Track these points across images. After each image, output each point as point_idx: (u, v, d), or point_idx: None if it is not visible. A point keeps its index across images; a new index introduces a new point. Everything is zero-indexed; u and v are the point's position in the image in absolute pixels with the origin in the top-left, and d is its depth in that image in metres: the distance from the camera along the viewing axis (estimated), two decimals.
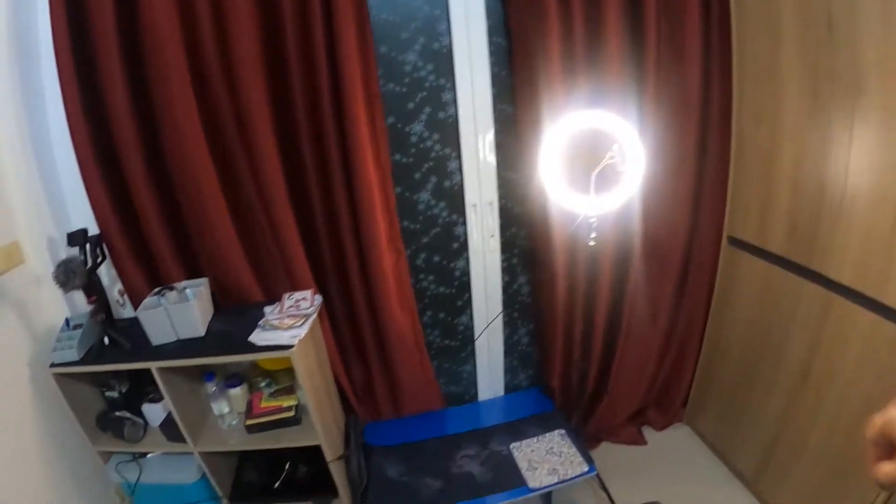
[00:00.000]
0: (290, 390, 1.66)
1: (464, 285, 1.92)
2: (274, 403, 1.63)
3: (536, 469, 1.75)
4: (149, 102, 1.53)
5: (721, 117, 1.74)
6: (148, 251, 1.73)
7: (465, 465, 1.83)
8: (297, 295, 1.61)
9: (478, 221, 1.82)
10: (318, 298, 1.60)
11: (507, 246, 1.86)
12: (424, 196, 1.78)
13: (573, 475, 1.71)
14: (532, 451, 1.82)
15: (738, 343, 1.85)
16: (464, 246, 1.86)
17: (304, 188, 1.67)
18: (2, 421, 1.45)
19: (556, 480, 1.70)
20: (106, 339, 1.61)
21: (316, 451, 1.77)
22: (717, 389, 2.00)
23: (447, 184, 1.77)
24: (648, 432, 2.20)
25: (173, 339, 1.57)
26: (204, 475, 1.73)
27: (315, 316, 1.53)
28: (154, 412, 1.73)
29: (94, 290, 1.60)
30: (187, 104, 1.50)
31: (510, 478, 1.73)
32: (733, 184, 1.76)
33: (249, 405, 1.67)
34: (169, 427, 1.67)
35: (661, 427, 2.22)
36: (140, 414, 1.75)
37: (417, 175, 1.75)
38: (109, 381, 1.75)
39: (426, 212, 1.79)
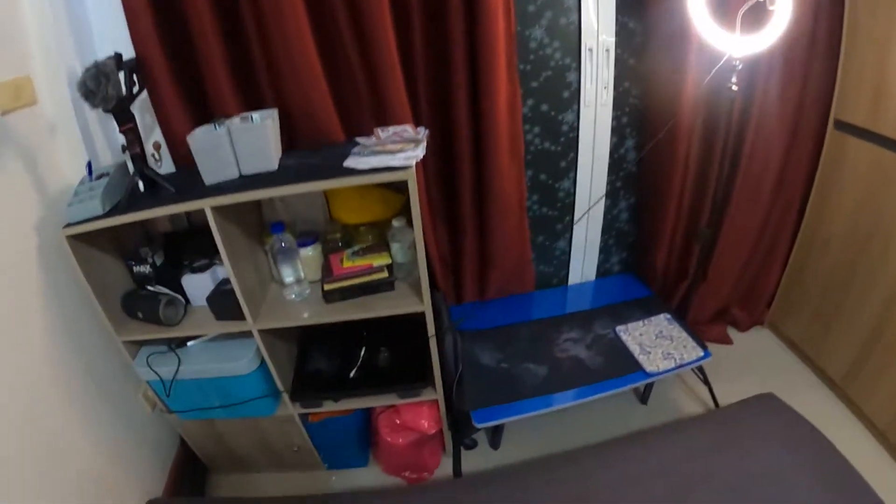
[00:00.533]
0: (378, 248, 1.33)
1: (570, 142, 1.64)
2: (361, 262, 1.30)
3: (650, 353, 1.54)
4: None
5: (833, 4, 1.55)
6: (198, 83, 1.38)
7: (570, 349, 1.61)
8: (394, 128, 1.29)
9: (592, 69, 1.55)
10: (423, 130, 1.29)
11: (618, 103, 1.60)
12: (537, 33, 1.48)
13: (689, 360, 1.52)
14: (640, 334, 1.62)
15: (837, 236, 1.69)
16: (575, 96, 1.58)
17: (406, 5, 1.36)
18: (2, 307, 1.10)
19: (672, 365, 1.50)
20: (140, 184, 1.25)
21: (398, 332, 1.48)
22: (808, 289, 1.84)
23: (563, 21, 1.49)
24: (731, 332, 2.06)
25: (235, 175, 1.22)
26: (262, 363, 1.38)
27: (425, 143, 1.22)
28: (198, 285, 1.37)
29: (129, 116, 1.23)
30: None
31: (623, 362, 1.53)
32: (843, 70, 1.57)
33: (327, 267, 1.33)
34: (219, 303, 1.32)
35: (745, 328, 2.08)
36: (179, 290, 1.38)
37: (531, 7, 1.46)
38: (140, 250, 1.39)
39: (538, 51, 1.50)
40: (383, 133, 1.27)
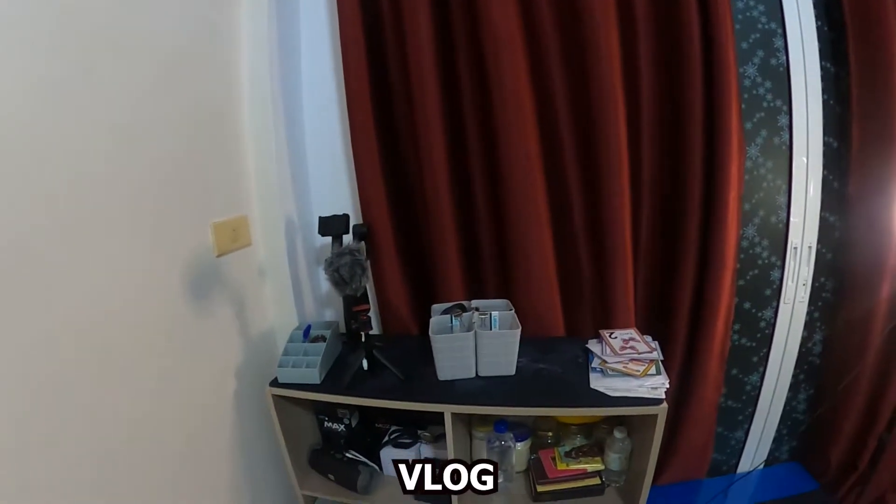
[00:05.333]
0: (591, 451, 1.34)
1: (765, 338, 1.63)
2: (576, 466, 1.31)
3: None
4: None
5: None
6: (421, 260, 1.44)
7: None
8: (620, 332, 1.32)
9: (794, 266, 1.56)
10: (652, 340, 1.30)
11: (812, 298, 1.60)
12: (749, 231, 1.52)
13: None
14: None
15: None
16: (775, 293, 1.59)
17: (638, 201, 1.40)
18: (190, 441, 1.14)
19: None
20: (365, 363, 1.29)
21: None
22: None
23: (773, 220, 1.51)
24: None
25: (472, 374, 1.26)
26: None
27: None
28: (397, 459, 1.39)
29: (365, 296, 1.28)
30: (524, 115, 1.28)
31: None
32: None
33: (537, 466, 1.34)
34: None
35: None
36: (371, 456, 1.42)
37: (746, 205, 1.50)
38: (338, 409, 1.43)
39: (749, 250, 1.54)
40: (612, 339, 1.29)
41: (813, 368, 1.70)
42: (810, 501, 1.66)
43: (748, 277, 1.56)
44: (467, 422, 1.42)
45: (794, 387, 1.71)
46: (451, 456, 1.23)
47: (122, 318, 0.94)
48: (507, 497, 1.35)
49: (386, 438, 1.44)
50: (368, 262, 1.19)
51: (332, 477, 1.40)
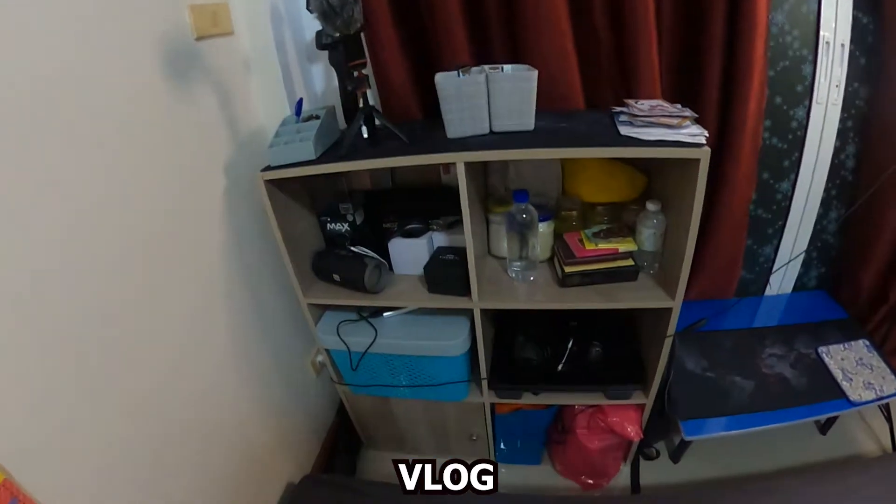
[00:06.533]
0: (621, 231, 1.18)
1: (797, 140, 1.45)
2: (606, 246, 1.15)
3: (852, 380, 1.39)
4: None
5: None
6: (423, 30, 1.23)
7: (775, 366, 1.45)
8: (648, 102, 1.12)
9: (828, 64, 1.37)
10: (682, 108, 1.11)
11: (845, 104, 1.42)
12: (779, 17, 1.31)
13: (890, 393, 1.36)
14: (842, 359, 1.46)
15: None
16: (807, 91, 1.40)
17: None
18: (177, 257, 1.00)
19: (874, 396, 1.35)
20: (364, 130, 1.10)
21: (610, 325, 1.36)
22: None
23: (804, 8, 1.30)
24: None
25: (485, 130, 1.07)
26: (470, 349, 1.25)
27: None
28: (409, 251, 1.24)
29: (362, 50, 1.07)
30: None
31: (826, 387, 1.38)
32: None
33: (563, 247, 1.18)
34: (440, 274, 1.19)
35: None
36: (380, 254, 1.25)
37: None
38: (340, 206, 1.26)
39: (778, 37, 1.33)
40: (639, 105, 1.10)
41: (846, 184, 1.56)
42: (840, 328, 1.56)
43: (779, 69, 1.36)
44: (483, 203, 1.24)
45: (825, 202, 1.57)
46: (466, 227, 1.06)
47: (92, 98, 0.79)
48: (530, 286, 1.20)
49: (395, 229, 1.27)
50: None
51: (336, 277, 1.24)
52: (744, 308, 1.62)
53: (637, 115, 1.03)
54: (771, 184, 1.52)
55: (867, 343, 1.50)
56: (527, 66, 1.12)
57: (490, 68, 1.10)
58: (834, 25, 1.32)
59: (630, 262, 1.15)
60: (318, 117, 1.15)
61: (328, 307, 1.35)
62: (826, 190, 1.54)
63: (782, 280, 1.66)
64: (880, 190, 1.46)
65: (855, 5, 1.30)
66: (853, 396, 1.33)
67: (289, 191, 1.15)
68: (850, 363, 1.44)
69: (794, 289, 1.69)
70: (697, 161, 0.93)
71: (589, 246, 1.16)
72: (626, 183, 1.21)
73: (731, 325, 1.56)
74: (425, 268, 1.20)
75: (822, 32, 1.34)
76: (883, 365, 1.43)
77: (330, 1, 0.88)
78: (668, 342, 1.18)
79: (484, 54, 1.26)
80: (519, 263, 1.20)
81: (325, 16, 0.90)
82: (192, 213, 1.03)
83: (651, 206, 1.12)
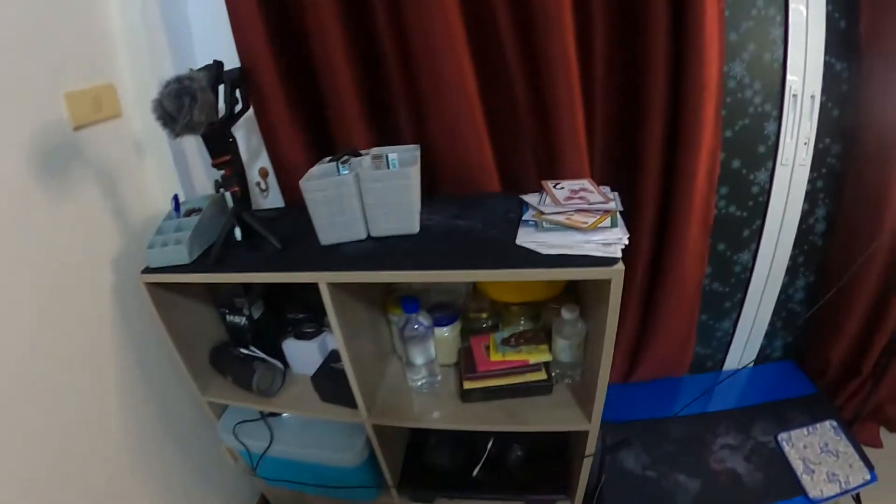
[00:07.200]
0: (535, 338, 1.02)
1: (759, 207, 1.27)
2: (515, 357, 0.99)
3: (814, 472, 1.25)
4: None
5: None
6: (316, 104, 1.08)
7: (727, 460, 1.30)
8: (569, 183, 0.95)
9: (794, 119, 1.16)
10: (610, 191, 0.93)
11: (815, 163, 1.22)
12: (737, 69, 1.10)
13: (855, 485, 1.22)
14: (804, 446, 1.30)
15: None
16: (771, 151, 1.20)
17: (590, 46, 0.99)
18: (70, 351, 0.93)
19: (837, 490, 1.21)
20: (238, 232, 0.97)
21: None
22: None
23: (767, 57, 1.09)
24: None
25: (362, 235, 0.92)
26: (371, 455, 1.13)
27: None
28: (302, 354, 1.11)
29: (226, 146, 0.94)
30: None
31: (784, 483, 1.24)
32: None
33: (467, 356, 1.03)
34: (327, 385, 1.05)
35: None
36: (278, 353, 1.13)
37: (733, 35, 1.07)
38: (235, 299, 1.14)
39: (736, 92, 1.13)
40: (557, 190, 0.92)
41: (814, 250, 1.36)
42: (805, 406, 1.38)
43: (736, 128, 1.16)
44: (380, 300, 1.10)
45: (791, 271, 1.38)
46: (340, 344, 0.92)
47: None
48: (430, 399, 1.05)
49: (298, 319, 1.15)
50: (210, 93, 0.83)
51: (231, 379, 1.14)
52: (699, 387, 1.44)
53: (545, 213, 0.86)
54: (728, 256, 1.33)
55: (834, 425, 1.34)
56: (414, 146, 0.96)
57: (373, 158, 0.94)
58: (803, 74, 1.11)
59: (542, 376, 0.99)
60: (200, 210, 1.03)
61: (234, 406, 1.24)
62: (792, 257, 1.36)
63: (743, 353, 1.49)
64: (855, 258, 1.26)
65: (827, 50, 1.08)
66: (813, 493, 1.19)
67: (180, 286, 1.03)
68: (814, 451, 1.29)
69: (758, 360, 1.51)
70: (609, 281, 0.76)
71: (495, 357, 1.00)
72: (542, 282, 1.04)
73: (682, 410, 1.38)
74: (312, 378, 1.06)
75: (788, 83, 1.13)
76: (851, 450, 1.28)
77: (166, 107, 0.78)
78: (587, 462, 1.04)
79: (384, 129, 1.10)
80: (421, 369, 1.05)
81: (164, 122, 0.80)
82: (78, 315, 0.95)
83: (567, 315, 0.95)
